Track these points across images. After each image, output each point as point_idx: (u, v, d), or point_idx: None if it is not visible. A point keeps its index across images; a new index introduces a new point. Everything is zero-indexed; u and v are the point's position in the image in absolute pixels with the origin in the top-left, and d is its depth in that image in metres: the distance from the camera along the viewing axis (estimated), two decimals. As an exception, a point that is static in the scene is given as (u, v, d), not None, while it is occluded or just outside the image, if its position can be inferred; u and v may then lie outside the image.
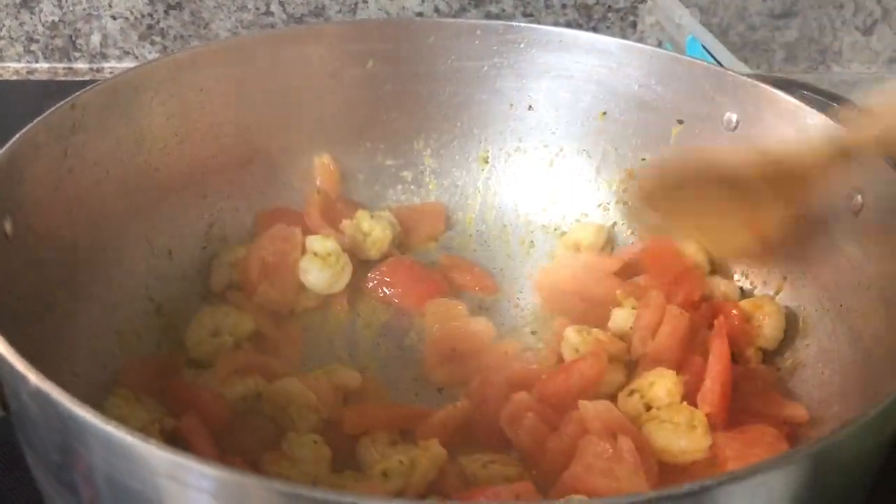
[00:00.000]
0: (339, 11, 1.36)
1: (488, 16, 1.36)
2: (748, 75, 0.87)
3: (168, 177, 0.89)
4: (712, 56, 1.09)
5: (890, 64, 1.43)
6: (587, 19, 1.38)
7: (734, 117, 0.86)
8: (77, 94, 0.79)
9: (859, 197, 0.74)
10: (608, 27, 1.38)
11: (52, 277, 0.75)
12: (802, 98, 0.81)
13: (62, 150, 0.77)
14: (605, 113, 0.95)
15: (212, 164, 0.93)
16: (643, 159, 0.94)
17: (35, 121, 0.74)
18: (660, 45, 1.15)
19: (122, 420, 0.67)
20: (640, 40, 1.01)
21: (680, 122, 0.90)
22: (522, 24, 0.97)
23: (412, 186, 1.02)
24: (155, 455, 0.47)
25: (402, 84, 0.98)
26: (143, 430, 0.68)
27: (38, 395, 0.51)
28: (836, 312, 0.76)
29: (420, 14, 1.36)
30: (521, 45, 0.96)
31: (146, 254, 0.88)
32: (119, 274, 0.84)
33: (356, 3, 1.35)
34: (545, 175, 1.00)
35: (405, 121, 1.00)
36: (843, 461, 0.51)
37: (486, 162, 1.01)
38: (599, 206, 0.97)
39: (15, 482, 0.75)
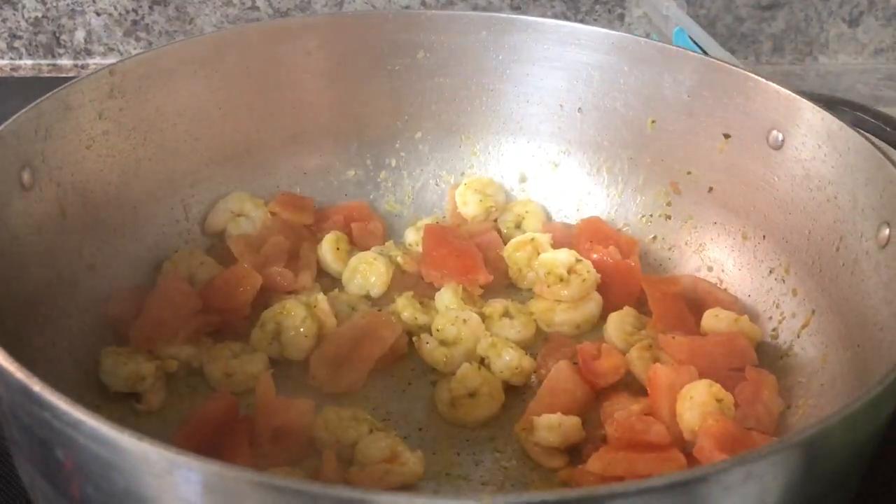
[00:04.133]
0: (325, 5, 1.35)
1: (475, 8, 1.36)
2: (794, 90, 0.83)
3: (209, 147, 0.93)
4: (700, 48, 1.08)
5: (876, 55, 1.43)
6: (575, 11, 1.37)
7: (780, 136, 0.83)
8: (117, 61, 0.84)
9: (887, 230, 0.71)
10: (595, 19, 1.37)
11: (75, 229, 0.80)
12: (852, 119, 0.79)
13: (96, 113, 0.82)
14: (654, 122, 0.94)
15: (255, 138, 0.95)
16: (689, 172, 0.92)
17: (69, 83, 0.79)
18: (647, 36, 1.14)
19: (133, 372, 0.76)
20: (628, 32, 1.01)
21: (726, 136, 0.88)
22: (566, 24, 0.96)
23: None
24: (144, 450, 0.47)
25: (451, 78, 0.98)
26: (152, 376, 0.77)
27: (23, 391, 0.50)
28: (854, 353, 0.73)
29: (407, 7, 1.35)
30: (569, 46, 0.95)
31: (180, 217, 0.92)
32: (149, 234, 0.89)
33: (343, -3, 1.35)
34: (583, 182, 0.99)
35: (453, 115, 1.00)
36: (834, 449, 0.51)
37: (525, 179, 1.01)
38: (643, 217, 0.96)
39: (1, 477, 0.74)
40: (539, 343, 0.86)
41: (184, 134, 0.90)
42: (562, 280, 0.87)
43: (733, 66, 0.89)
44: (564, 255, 0.89)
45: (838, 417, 0.49)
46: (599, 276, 0.88)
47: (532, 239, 0.92)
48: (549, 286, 0.87)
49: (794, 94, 0.82)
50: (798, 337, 0.81)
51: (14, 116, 0.73)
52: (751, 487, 0.48)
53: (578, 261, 0.88)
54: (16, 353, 0.53)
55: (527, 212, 0.98)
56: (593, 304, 0.88)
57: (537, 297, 0.89)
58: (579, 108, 0.97)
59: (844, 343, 0.74)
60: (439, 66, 0.98)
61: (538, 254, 0.91)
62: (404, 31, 0.96)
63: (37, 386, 0.49)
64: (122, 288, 0.84)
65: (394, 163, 1.01)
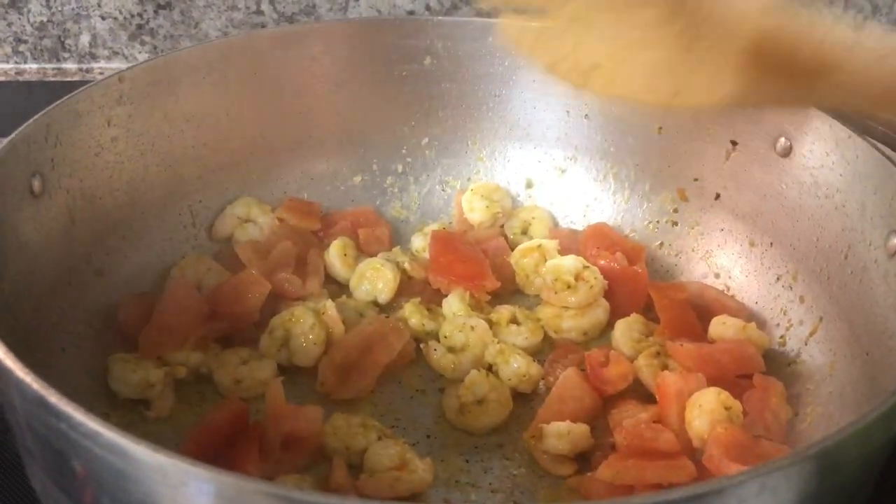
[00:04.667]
0: (330, 10, 1.35)
1: (479, 14, 1.35)
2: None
3: (216, 153, 0.93)
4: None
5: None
6: (580, 17, 1.37)
7: (788, 143, 0.83)
8: (125, 68, 0.84)
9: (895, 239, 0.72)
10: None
11: (84, 235, 0.80)
12: (860, 126, 0.78)
13: (105, 120, 0.82)
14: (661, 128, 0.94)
15: (261, 144, 0.95)
16: (696, 179, 0.92)
17: (79, 90, 0.79)
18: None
19: (143, 378, 0.76)
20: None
21: (734, 143, 0.88)
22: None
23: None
24: (160, 462, 0.47)
25: (458, 83, 0.99)
26: (161, 382, 0.77)
27: (39, 401, 0.50)
28: (863, 361, 0.73)
29: (412, 12, 1.35)
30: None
31: (188, 223, 0.92)
32: (157, 240, 0.89)
33: (347, 2, 1.35)
34: (590, 188, 0.99)
35: (460, 120, 1.00)
36: (849, 460, 0.51)
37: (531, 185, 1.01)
38: (649, 223, 0.96)
39: (10, 485, 0.74)
40: (546, 349, 0.86)
41: (191, 140, 0.91)
42: (569, 287, 0.87)
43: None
44: (571, 262, 0.89)
45: (853, 429, 0.49)
46: (606, 282, 0.88)
47: (539, 245, 0.93)
48: (556, 293, 0.87)
49: (800, 102, 0.83)
50: (806, 344, 0.81)
51: (25, 124, 0.73)
52: (765, 499, 0.48)
53: (586, 267, 0.88)
54: (25, 360, 0.53)
55: (533, 218, 0.99)
56: (601, 310, 0.88)
57: (545, 303, 0.89)
58: (586, 115, 0.97)
59: (853, 351, 0.74)
60: (446, 71, 0.98)
61: (545, 260, 0.91)
62: (411, 37, 0.97)
63: (53, 397, 0.49)
64: (130, 294, 0.84)
65: (400, 168, 1.01)
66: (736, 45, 0.70)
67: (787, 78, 0.71)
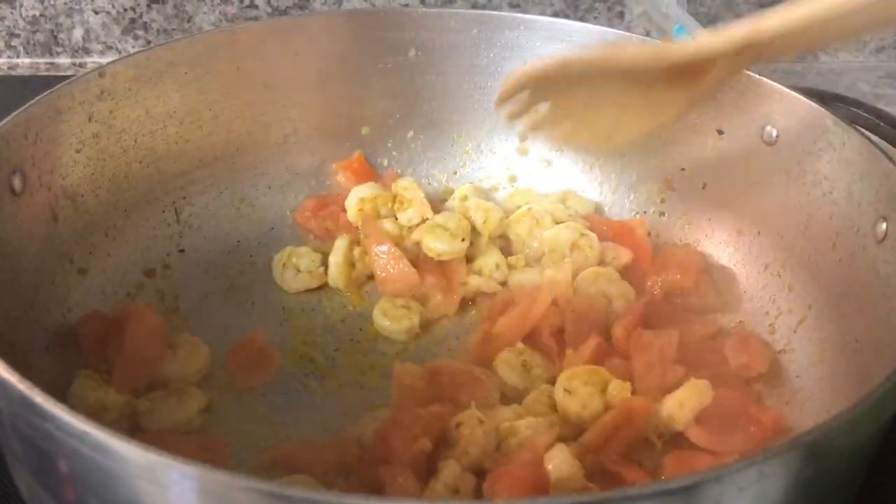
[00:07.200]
0: (324, 3, 1.34)
1: (475, 6, 1.35)
2: (790, 87, 0.83)
3: (199, 149, 0.92)
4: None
5: (877, 53, 1.43)
6: (574, 9, 1.36)
7: (774, 132, 0.83)
8: (106, 63, 0.83)
9: (884, 224, 0.71)
10: (595, 17, 1.36)
11: (67, 233, 0.79)
12: (847, 114, 0.78)
13: (86, 116, 0.81)
14: None
15: (246, 139, 0.94)
16: (683, 169, 0.92)
17: (58, 85, 0.78)
18: (647, 35, 1.14)
19: (98, 401, 0.71)
20: (628, 30, 1.01)
21: (720, 132, 0.88)
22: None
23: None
24: (149, 461, 0.46)
25: (443, 76, 0.98)
26: (118, 410, 0.72)
27: (24, 402, 0.49)
28: (853, 348, 0.73)
29: (406, 5, 1.35)
30: (561, 43, 0.94)
31: (171, 220, 0.90)
32: (140, 237, 0.88)
33: (338, -4, 1.34)
34: (577, 179, 0.99)
35: (445, 113, 1.00)
36: (841, 448, 0.51)
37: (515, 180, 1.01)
38: (637, 214, 0.95)
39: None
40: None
41: (174, 136, 0.90)
42: (565, 257, 0.88)
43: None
44: (567, 233, 0.89)
45: (846, 418, 0.49)
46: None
47: (529, 209, 0.93)
48: (554, 262, 0.88)
49: (787, 90, 0.82)
50: (795, 332, 0.81)
51: (4, 121, 0.72)
52: (758, 488, 0.48)
53: (582, 235, 0.89)
54: (9, 360, 0.52)
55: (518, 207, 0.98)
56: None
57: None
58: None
59: (842, 338, 0.74)
60: (431, 64, 0.98)
61: (538, 224, 0.91)
62: (396, 29, 0.96)
63: (39, 397, 0.48)
64: (85, 315, 0.79)
65: (385, 162, 1.01)
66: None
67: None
